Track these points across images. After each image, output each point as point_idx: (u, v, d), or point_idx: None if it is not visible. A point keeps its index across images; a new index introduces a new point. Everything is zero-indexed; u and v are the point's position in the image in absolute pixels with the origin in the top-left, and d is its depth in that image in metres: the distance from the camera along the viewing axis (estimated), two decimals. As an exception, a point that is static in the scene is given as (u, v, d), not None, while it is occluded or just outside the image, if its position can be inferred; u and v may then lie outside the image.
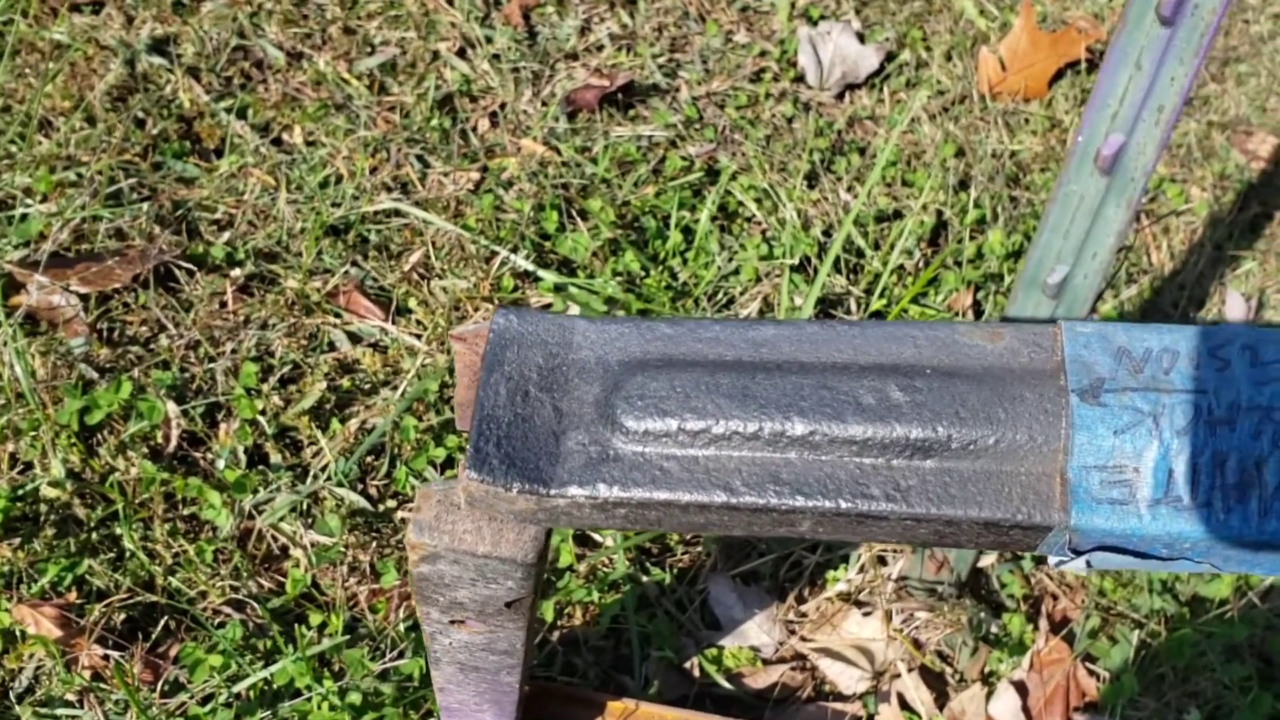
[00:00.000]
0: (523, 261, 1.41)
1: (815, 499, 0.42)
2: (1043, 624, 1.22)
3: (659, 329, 0.46)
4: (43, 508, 1.16)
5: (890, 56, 1.82)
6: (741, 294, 1.45)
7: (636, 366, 0.45)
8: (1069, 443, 0.39)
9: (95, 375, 1.24)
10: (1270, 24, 2.03)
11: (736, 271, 1.47)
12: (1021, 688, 1.17)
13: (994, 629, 1.21)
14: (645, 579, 1.21)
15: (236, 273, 1.36)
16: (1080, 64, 1.82)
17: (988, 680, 1.20)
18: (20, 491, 1.14)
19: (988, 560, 1.25)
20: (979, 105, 1.77)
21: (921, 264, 1.53)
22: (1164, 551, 0.39)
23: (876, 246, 1.54)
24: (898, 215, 1.59)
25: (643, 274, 1.44)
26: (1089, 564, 0.41)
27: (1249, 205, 1.72)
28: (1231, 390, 0.38)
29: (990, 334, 0.44)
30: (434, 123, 1.59)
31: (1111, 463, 0.38)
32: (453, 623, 0.56)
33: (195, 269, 1.35)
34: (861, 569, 1.23)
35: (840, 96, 1.79)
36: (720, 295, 1.45)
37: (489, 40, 1.73)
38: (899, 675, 1.18)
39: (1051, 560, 0.42)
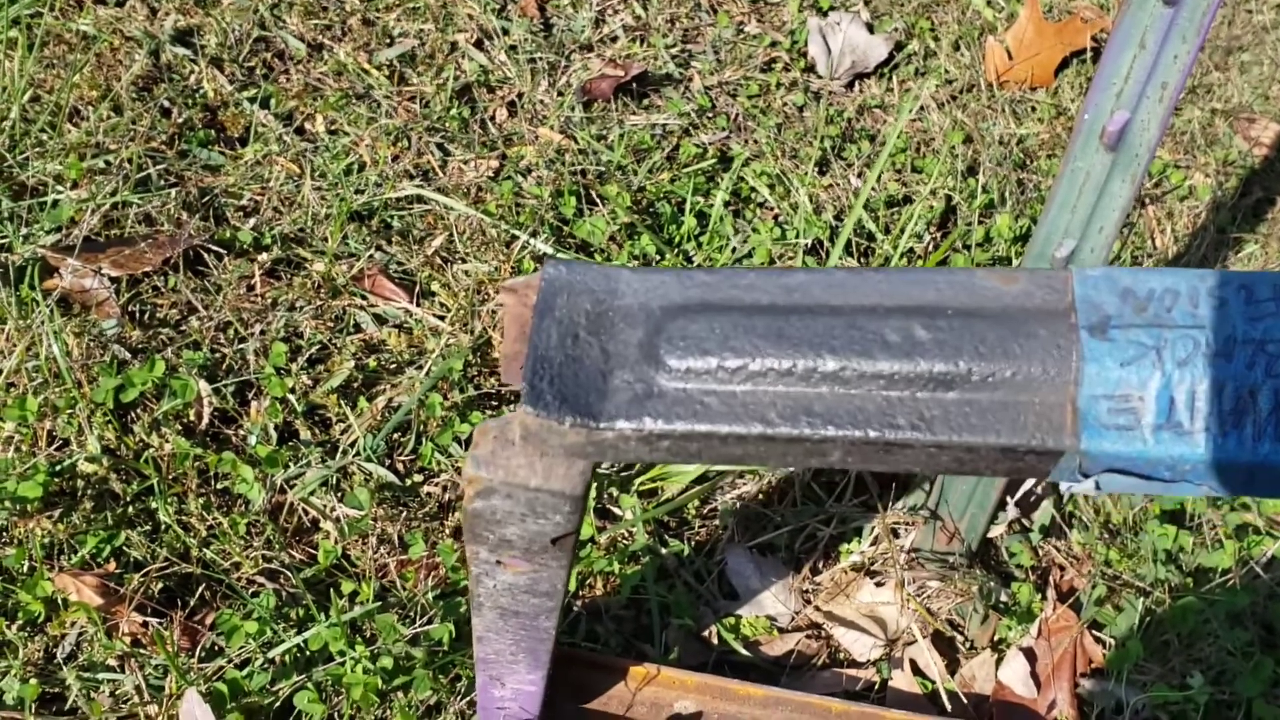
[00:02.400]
0: (542, 245, 1.44)
1: (846, 429, 0.45)
2: (1050, 593, 1.25)
3: (697, 277, 0.50)
4: (80, 483, 1.19)
5: (899, 46, 1.85)
6: (755, 277, 1.49)
7: (678, 311, 0.49)
8: (1079, 374, 0.43)
9: (128, 356, 1.27)
10: (1273, 14, 2.07)
11: (750, 254, 1.50)
12: (1030, 654, 1.20)
13: (1003, 598, 1.24)
14: (664, 551, 1.24)
15: (264, 257, 1.40)
16: (1086, 53, 1.86)
17: (997, 647, 1.23)
18: (59, 467, 1.18)
19: (997, 531, 1.28)
20: (986, 94, 1.81)
21: (931, 247, 1.56)
22: (1167, 474, 0.43)
23: (887, 230, 1.58)
24: (907, 200, 1.63)
25: (659, 257, 1.48)
26: (1098, 486, 0.44)
27: (1251, 190, 1.75)
28: (1228, 326, 0.42)
29: (1006, 278, 0.48)
30: (453, 112, 1.63)
31: (1118, 392, 0.42)
32: (499, 563, 0.60)
33: (224, 253, 1.39)
34: (875, 541, 1.27)
35: (850, 86, 1.83)
36: (734, 278, 1.48)
37: (506, 32, 1.76)
38: (912, 642, 1.21)
39: (1063, 486, 0.45)
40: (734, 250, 1.49)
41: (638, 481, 1.24)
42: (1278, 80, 1.94)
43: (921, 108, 1.79)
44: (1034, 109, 1.81)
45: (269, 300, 1.36)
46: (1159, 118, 0.87)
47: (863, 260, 1.54)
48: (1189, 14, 0.83)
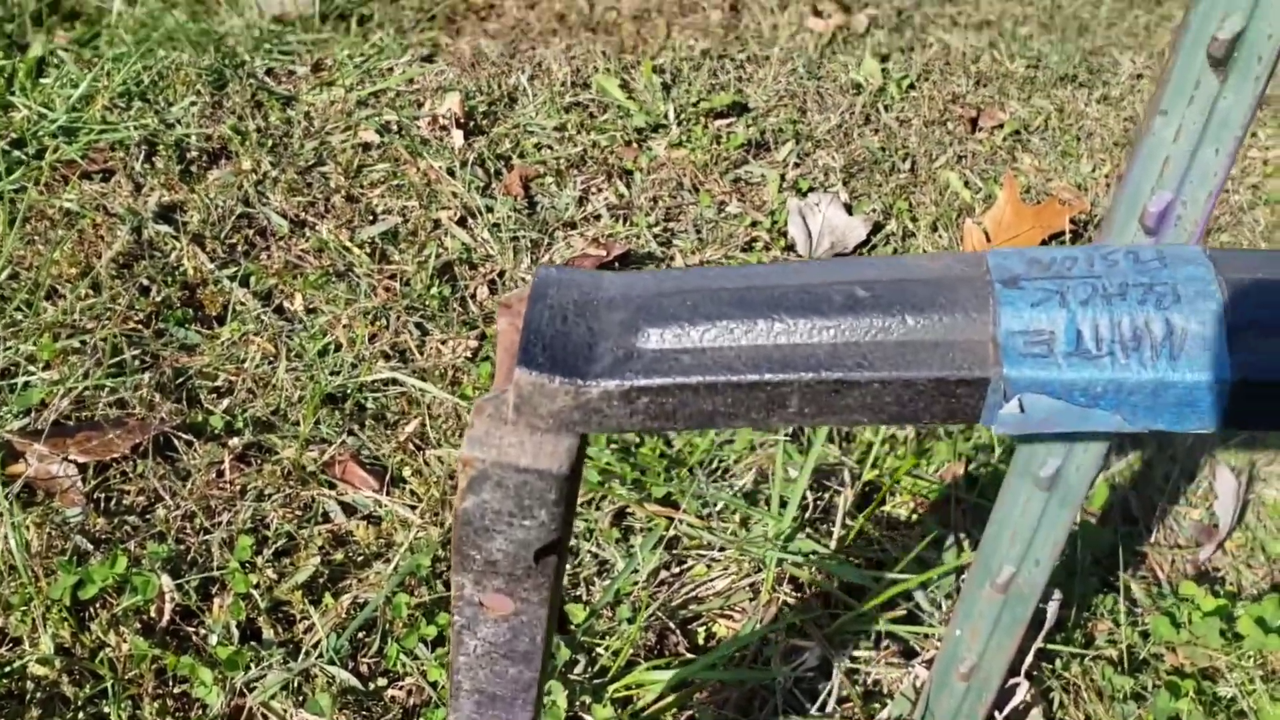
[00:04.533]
0: (519, 432, 1.42)
1: (800, 372, 0.53)
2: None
3: (672, 273, 0.58)
4: (29, 685, 1.14)
5: (877, 227, 1.87)
6: (736, 462, 1.47)
7: (654, 296, 0.57)
8: (997, 316, 0.51)
9: (90, 547, 1.24)
10: (1249, 194, 2.10)
11: (731, 440, 1.48)
12: None
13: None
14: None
15: (235, 442, 1.37)
16: (1064, 235, 1.88)
17: None
18: (8, 669, 1.13)
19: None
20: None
21: (913, 434, 1.55)
22: (1081, 399, 0.50)
23: (868, 415, 1.56)
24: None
25: (638, 442, 1.46)
26: (1022, 408, 0.51)
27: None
28: (1120, 275, 0.51)
29: (931, 258, 0.56)
30: (434, 290, 1.63)
31: (1031, 328, 0.51)
32: (481, 604, 0.64)
33: (194, 438, 1.36)
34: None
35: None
36: (715, 464, 1.46)
37: (489, 210, 1.78)
38: None
39: (995, 428, 0.53)
40: (713, 439, 1.47)
41: (611, 689, 1.19)
42: (1253, 261, 1.96)
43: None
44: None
45: (238, 488, 1.33)
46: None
47: (844, 445, 1.52)
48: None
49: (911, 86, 2.31)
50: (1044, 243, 1.87)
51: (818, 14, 2.44)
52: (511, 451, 0.56)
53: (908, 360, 0.52)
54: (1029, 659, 1.17)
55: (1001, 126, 2.24)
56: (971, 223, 1.85)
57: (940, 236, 1.87)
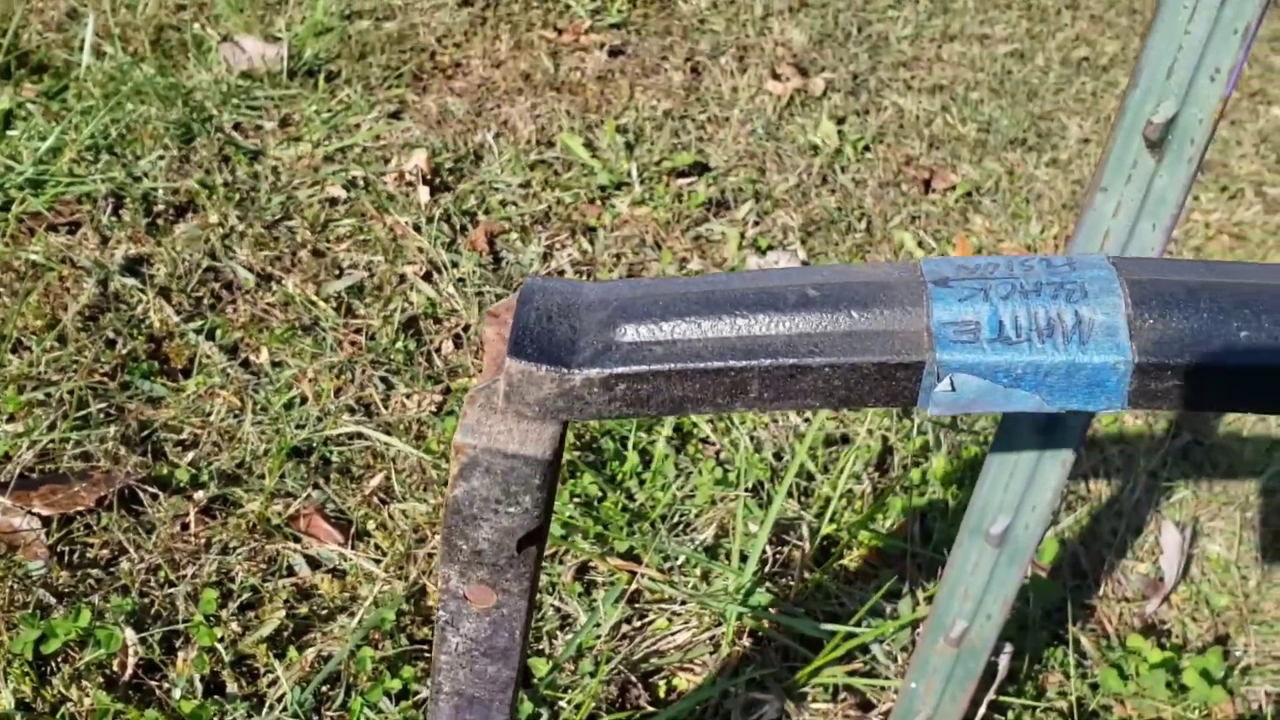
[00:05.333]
0: (483, 486, 1.44)
1: (759, 359, 0.60)
2: None
3: (644, 280, 0.66)
4: (-10, 740, 1.14)
5: (835, 285, 1.92)
6: (698, 516, 1.49)
7: (629, 298, 0.63)
8: (930, 310, 0.58)
9: (53, 600, 1.24)
10: (1192, 255, 2.17)
11: (693, 494, 1.51)
12: None
13: None
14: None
15: (200, 495, 1.38)
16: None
17: None
18: (-32, 724, 1.13)
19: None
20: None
21: (869, 490, 1.58)
22: (1004, 379, 0.58)
23: (826, 470, 1.60)
24: (845, 440, 1.66)
25: (600, 496, 1.48)
26: (953, 386, 0.58)
27: (1180, 433, 1.80)
28: (1035, 276, 0.59)
29: (872, 266, 0.63)
30: (399, 345, 1.65)
31: (960, 319, 0.58)
32: (466, 598, 0.68)
33: (159, 491, 1.37)
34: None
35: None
36: (677, 518, 1.48)
37: (455, 265, 1.80)
38: None
39: (930, 410, 0.60)
40: (675, 495, 1.50)
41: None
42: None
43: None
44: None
45: (202, 541, 1.34)
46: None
47: (802, 500, 1.55)
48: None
49: (867, 148, 2.38)
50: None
51: (776, 77, 2.50)
52: (500, 438, 0.61)
53: (854, 347, 0.59)
54: (982, 710, 1.20)
55: (954, 188, 2.31)
56: (925, 282, 1.90)
57: (895, 295, 1.92)
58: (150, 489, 1.36)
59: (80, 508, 1.33)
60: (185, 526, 1.35)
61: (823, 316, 0.60)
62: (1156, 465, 1.74)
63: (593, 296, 0.64)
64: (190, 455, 1.43)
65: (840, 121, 2.44)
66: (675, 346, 0.60)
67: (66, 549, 1.30)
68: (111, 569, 1.30)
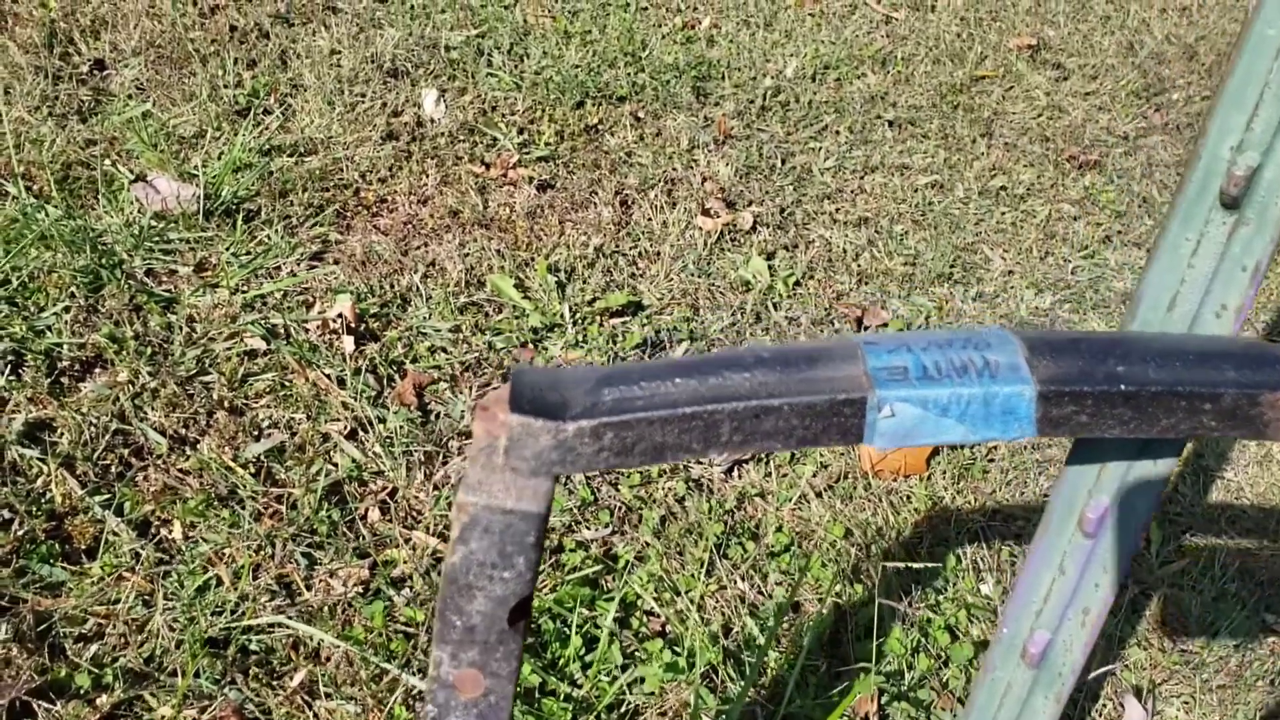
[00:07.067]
0: (418, 681, 1.34)
1: (728, 404, 0.68)
2: None
3: (621, 365, 0.72)
4: None
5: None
6: (648, 706, 1.40)
7: (608, 374, 0.70)
8: (865, 361, 0.69)
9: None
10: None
11: (641, 681, 1.42)
12: None
13: None
14: None
15: (103, 700, 1.26)
16: (940, 450, 1.90)
17: None
18: None
19: None
20: (862, 482, 1.82)
21: (826, 667, 1.51)
22: (934, 408, 0.68)
23: (778, 641, 1.53)
24: (796, 607, 1.59)
25: (539, 685, 1.39)
26: (893, 412, 0.67)
27: (1128, 585, 1.77)
28: (947, 336, 0.71)
29: (811, 340, 0.67)
30: (322, 514, 1.55)
31: (890, 365, 0.69)
32: (454, 687, 0.69)
33: (56, 698, 1.24)
34: None
35: (729, 471, 1.82)
36: (625, 707, 1.39)
37: (381, 421, 1.71)
38: None
39: (877, 441, 0.68)
40: (622, 686, 1.41)
41: None
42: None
43: (802, 496, 1.78)
44: (909, 498, 1.83)
45: (106, 755, 1.21)
46: (1082, 641, 0.85)
47: (761, 690, 1.47)
48: (1108, 545, 0.82)
49: (798, 284, 2.36)
50: (936, 450, 1.89)
51: (705, 212, 2.48)
52: (499, 494, 0.67)
53: (807, 390, 0.68)
54: None
55: (886, 325, 2.29)
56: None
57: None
58: (45, 703, 1.23)
59: (-33, 723, 1.19)
60: (86, 738, 1.23)
61: (778, 369, 0.70)
62: (1108, 625, 1.70)
63: (577, 375, 0.71)
64: (94, 649, 1.31)
65: (770, 256, 2.41)
66: (654, 399, 0.68)
67: (-50, 772, 1.17)
68: (1, 793, 1.16)
